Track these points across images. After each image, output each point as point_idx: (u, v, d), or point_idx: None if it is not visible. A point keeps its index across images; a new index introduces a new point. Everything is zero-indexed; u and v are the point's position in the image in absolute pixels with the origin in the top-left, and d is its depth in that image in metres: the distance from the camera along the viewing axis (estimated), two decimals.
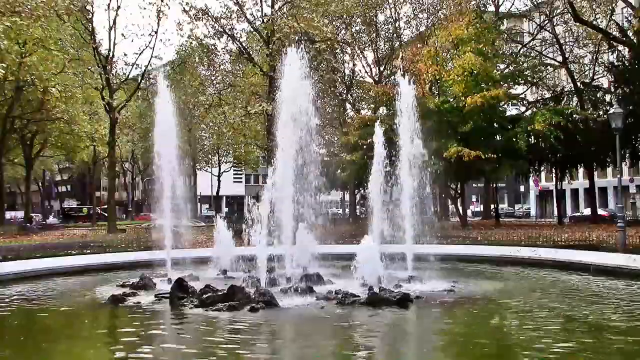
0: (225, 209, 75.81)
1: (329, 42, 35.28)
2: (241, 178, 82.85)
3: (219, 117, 36.14)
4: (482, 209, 52.19)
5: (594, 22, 35.60)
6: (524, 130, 29.39)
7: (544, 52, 40.71)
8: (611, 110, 19.79)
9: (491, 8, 42.49)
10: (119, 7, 36.00)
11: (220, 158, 62.50)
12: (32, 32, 28.00)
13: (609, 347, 7.53)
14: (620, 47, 34.39)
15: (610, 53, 37.12)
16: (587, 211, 41.79)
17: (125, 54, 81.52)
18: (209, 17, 34.78)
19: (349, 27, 40.15)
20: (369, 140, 15.00)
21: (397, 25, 42.44)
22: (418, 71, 31.88)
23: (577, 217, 44.37)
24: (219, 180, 64.39)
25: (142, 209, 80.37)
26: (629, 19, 35.17)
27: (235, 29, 35.91)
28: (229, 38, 35.76)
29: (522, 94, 41.08)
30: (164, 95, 15.51)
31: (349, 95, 45.23)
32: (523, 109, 38.58)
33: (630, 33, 33.72)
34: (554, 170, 38.09)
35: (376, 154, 14.48)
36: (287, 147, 13.90)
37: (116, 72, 38.60)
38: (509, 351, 7.62)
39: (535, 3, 39.80)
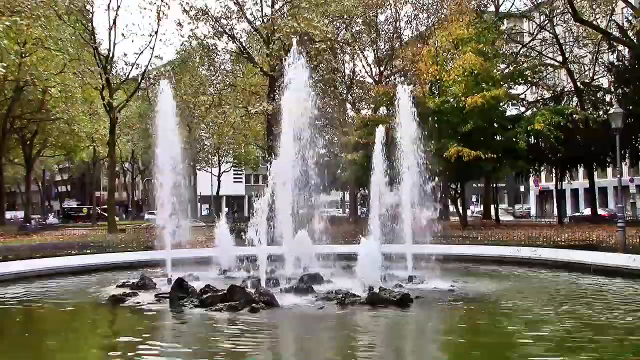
0: (225, 209, 75.78)
1: (329, 42, 35.25)
2: (241, 178, 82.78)
3: (219, 117, 36.11)
4: (482, 209, 52.12)
5: (594, 22, 35.58)
6: (524, 130, 29.36)
7: (544, 52, 40.69)
8: (611, 110, 19.79)
9: (491, 8, 42.47)
10: (119, 7, 35.95)
11: (220, 158, 62.45)
12: (32, 32, 28.00)
13: (606, 344, 7.53)
14: (620, 47, 34.36)
15: (610, 53, 37.08)
16: (587, 211, 41.77)
17: (125, 54, 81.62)
18: (209, 17, 34.76)
19: (349, 27, 40.12)
20: (369, 139, 14.99)
21: (397, 25, 42.42)
22: (418, 71, 31.87)
23: (577, 217, 44.34)
24: (219, 180, 64.38)
25: (142, 209, 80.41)
26: (629, 19, 35.16)
27: (235, 29, 35.95)
28: (229, 38, 35.75)
29: (522, 94, 41.04)
30: (165, 96, 15.47)
31: (349, 95, 45.19)
32: (523, 109, 38.55)
33: (630, 33, 33.70)
34: (554, 170, 38.05)
35: (376, 153, 14.49)
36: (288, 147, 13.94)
37: (116, 72, 38.59)
38: (509, 351, 7.61)
39: (535, 3, 39.77)
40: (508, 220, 47.99)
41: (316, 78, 36.70)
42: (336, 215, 57.32)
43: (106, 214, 44.97)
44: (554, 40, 38.50)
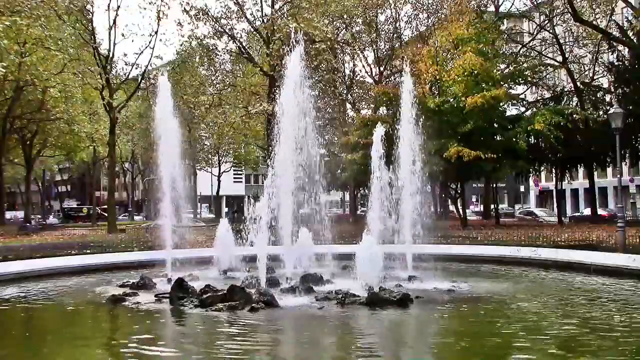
0: (225, 209, 75.86)
1: (329, 42, 35.24)
2: (241, 178, 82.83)
3: (219, 117, 36.10)
4: (482, 209, 52.13)
5: (594, 22, 35.57)
6: (524, 130, 29.37)
7: (544, 52, 40.67)
8: (611, 110, 19.77)
9: (491, 8, 42.47)
10: (119, 7, 35.91)
11: (220, 158, 62.48)
12: (32, 32, 28.00)
13: (607, 345, 7.54)
14: (620, 47, 34.34)
15: (610, 53, 37.06)
16: (587, 211, 41.76)
17: (125, 54, 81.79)
18: (209, 17, 34.76)
19: (349, 27, 40.14)
20: (369, 139, 14.96)
21: (397, 25, 42.44)
22: (418, 71, 31.86)
23: (577, 217, 44.33)
24: (219, 180, 64.38)
25: (142, 209, 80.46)
26: (629, 19, 35.15)
27: (235, 29, 35.92)
28: (229, 38, 35.74)
29: (522, 94, 41.04)
30: (164, 95, 15.47)
31: (349, 95, 45.19)
32: (523, 109, 38.55)
33: (630, 33, 33.69)
34: (554, 170, 38.05)
35: (375, 153, 14.49)
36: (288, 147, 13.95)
37: (116, 72, 38.58)
38: (509, 352, 7.61)
39: (535, 3, 39.76)
40: (508, 220, 46.72)
41: (316, 78, 36.74)
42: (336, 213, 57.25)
43: (106, 214, 44.95)
44: (554, 40, 38.48)
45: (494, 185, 43.36)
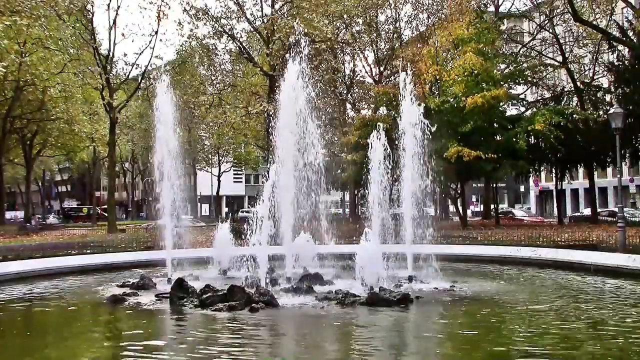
0: (225, 209, 75.86)
1: (329, 42, 35.23)
2: (241, 178, 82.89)
3: (219, 117, 36.14)
4: (482, 209, 52.08)
5: (594, 22, 35.56)
6: (524, 130, 29.37)
7: (544, 52, 40.66)
8: (611, 110, 19.77)
9: (491, 8, 42.46)
10: (119, 7, 36.13)
11: (220, 158, 62.53)
12: (32, 32, 28.02)
13: (608, 345, 7.53)
14: (620, 47, 34.32)
15: (610, 53, 37.03)
16: (587, 211, 41.73)
17: (125, 54, 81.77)
18: (209, 17, 34.76)
19: (349, 27, 40.14)
20: (369, 140, 14.98)
21: (397, 25, 42.45)
22: (418, 71, 31.87)
23: (577, 217, 44.29)
24: (219, 180, 64.42)
25: (142, 209, 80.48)
26: (629, 19, 35.14)
27: (235, 29, 35.92)
28: (229, 38, 35.74)
29: (522, 94, 41.04)
30: (164, 95, 15.45)
31: (349, 95, 45.21)
32: (523, 109, 38.54)
33: (630, 33, 33.68)
34: (554, 170, 38.03)
35: (375, 153, 14.49)
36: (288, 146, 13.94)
37: (116, 72, 38.61)
38: (508, 351, 7.61)
39: (535, 3, 39.77)
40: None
41: (316, 78, 36.72)
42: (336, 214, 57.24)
43: (106, 214, 44.94)
44: (554, 40, 38.46)
45: (494, 185, 43.36)
